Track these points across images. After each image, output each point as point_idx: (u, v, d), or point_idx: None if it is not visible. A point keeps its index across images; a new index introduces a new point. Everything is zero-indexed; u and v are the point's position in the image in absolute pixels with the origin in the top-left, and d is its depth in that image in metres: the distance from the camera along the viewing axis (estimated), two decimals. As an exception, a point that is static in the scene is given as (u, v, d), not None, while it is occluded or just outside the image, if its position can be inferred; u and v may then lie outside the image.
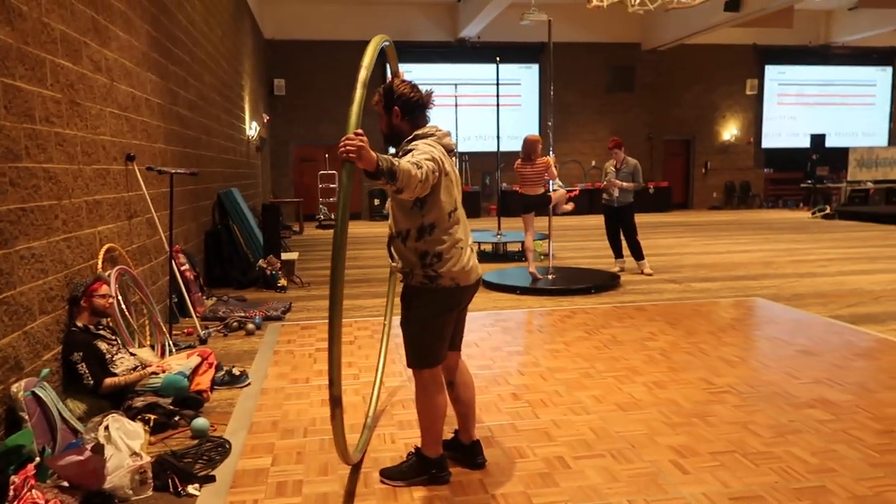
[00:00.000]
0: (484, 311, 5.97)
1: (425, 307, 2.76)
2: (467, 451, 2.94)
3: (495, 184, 16.59)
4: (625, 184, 7.73)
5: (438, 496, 2.68)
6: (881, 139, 18.40)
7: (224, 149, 8.98)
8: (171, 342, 4.74)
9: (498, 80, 10.44)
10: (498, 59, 10.49)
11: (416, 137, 2.76)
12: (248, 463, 3.00)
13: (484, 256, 9.18)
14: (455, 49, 16.28)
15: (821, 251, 9.59)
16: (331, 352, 2.35)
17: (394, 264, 2.85)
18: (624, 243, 7.95)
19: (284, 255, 7.80)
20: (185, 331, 5.32)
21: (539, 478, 2.81)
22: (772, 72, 17.84)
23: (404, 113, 2.78)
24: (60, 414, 3.06)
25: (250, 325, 5.38)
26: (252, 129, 11.62)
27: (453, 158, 2.92)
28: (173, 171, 5.06)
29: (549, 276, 7.23)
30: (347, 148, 2.24)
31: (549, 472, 2.86)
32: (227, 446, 3.15)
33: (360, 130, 2.28)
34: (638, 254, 7.88)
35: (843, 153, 16.70)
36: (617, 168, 7.87)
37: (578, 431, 3.30)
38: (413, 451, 2.92)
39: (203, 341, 5.04)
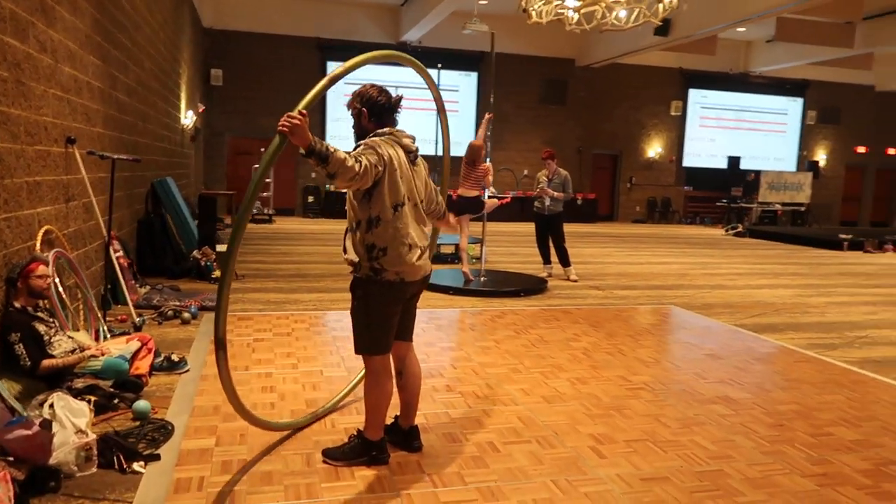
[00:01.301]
0: (419, 310, 6.15)
1: (370, 298, 2.92)
2: (406, 436, 3.13)
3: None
4: (556, 193, 8.10)
5: (378, 475, 2.86)
6: (790, 165, 19.69)
7: (159, 136, 8.86)
8: (105, 328, 4.73)
9: (439, 84, 10.65)
10: (440, 65, 10.72)
11: (375, 135, 2.92)
12: (192, 443, 3.10)
13: (418, 257, 9.36)
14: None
15: (731, 266, 10.28)
16: (219, 296, 2.59)
17: (345, 256, 3.00)
18: (552, 250, 8.31)
19: (219, 247, 7.77)
20: (119, 317, 5.29)
21: (471, 460, 3.04)
22: (695, 95, 18.83)
23: (371, 115, 2.97)
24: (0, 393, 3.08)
25: (186, 315, 5.40)
26: (188, 118, 11.44)
27: (418, 160, 3.06)
28: (115, 156, 5.04)
29: (481, 279, 7.50)
30: (285, 122, 2.47)
31: (480, 456, 3.09)
32: (170, 428, 3.24)
33: (304, 112, 2.51)
34: (565, 261, 8.26)
35: (757, 176, 17.81)
36: (549, 178, 8.24)
37: (507, 420, 3.54)
38: (355, 433, 3.07)
39: (137, 328, 5.03)
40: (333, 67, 15.36)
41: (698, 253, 11.89)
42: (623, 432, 3.43)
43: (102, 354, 3.79)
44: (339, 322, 5.55)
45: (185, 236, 7.91)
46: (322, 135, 16.28)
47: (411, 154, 3.01)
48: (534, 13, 7.89)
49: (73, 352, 3.76)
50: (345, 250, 3.02)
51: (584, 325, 5.82)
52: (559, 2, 7.79)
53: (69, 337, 3.88)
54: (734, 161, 18.61)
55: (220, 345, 2.63)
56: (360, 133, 2.99)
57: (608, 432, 3.43)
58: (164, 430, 3.21)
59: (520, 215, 14.97)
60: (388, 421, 3.18)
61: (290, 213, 16.16)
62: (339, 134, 16.40)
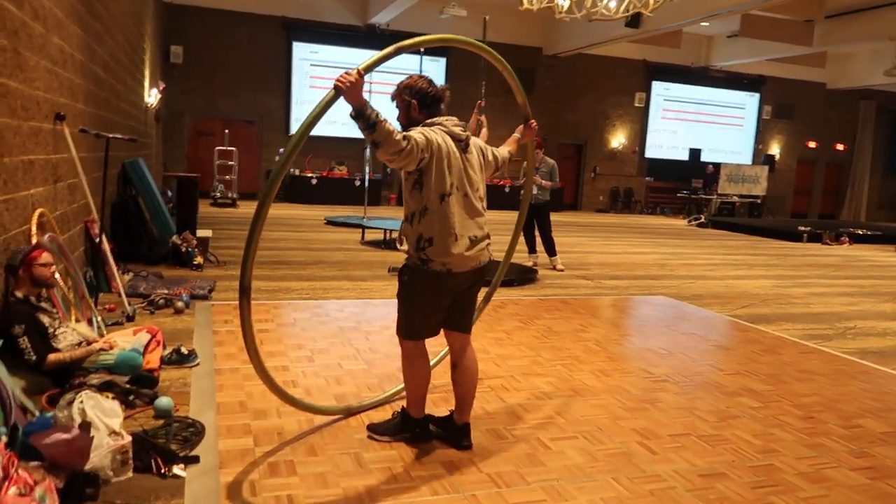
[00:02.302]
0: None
1: (414, 285, 2.91)
2: (457, 432, 3.04)
3: (396, 172, 16.62)
4: (544, 182, 8.05)
5: (436, 475, 2.73)
6: (747, 158, 20.21)
7: (129, 115, 8.42)
8: (99, 318, 4.44)
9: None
10: (422, 50, 10.49)
11: (424, 126, 2.86)
12: (229, 444, 2.91)
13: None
14: (363, 34, 16.09)
15: (704, 256, 10.46)
16: (249, 242, 2.58)
17: (401, 248, 2.95)
18: (538, 239, 8.27)
19: (200, 232, 7.44)
20: (108, 307, 4.98)
21: (526, 458, 2.94)
22: (658, 87, 19.09)
23: (421, 106, 2.93)
24: (12, 390, 2.82)
25: (179, 304, 5.12)
26: (151, 97, 10.93)
27: (469, 147, 2.96)
28: (111, 135, 4.71)
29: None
30: (342, 78, 2.46)
31: (532, 453, 3.00)
32: (200, 427, 3.03)
33: (363, 72, 2.50)
34: (551, 250, 8.23)
35: (716, 168, 18.22)
36: (536, 167, 8.17)
37: (545, 415, 3.46)
38: (399, 409, 3.12)
39: (130, 318, 4.75)
40: (299, 48, 15.09)
41: (670, 243, 12.06)
42: (664, 426, 3.39)
43: (111, 348, 3.54)
44: (341, 312, 5.37)
45: (159, 220, 7.54)
46: (287, 118, 15.85)
47: (461, 142, 2.95)
48: (525, 1, 7.78)
49: (79, 345, 3.51)
50: (400, 241, 2.97)
51: (586, 316, 5.79)
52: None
53: (73, 329, 3.61)
54: (695, 153, 18.98)
55: (244, 292, 2.58)
56: (408, 124, 2.94)
57: (649, 426, 3.38)
58: (194, 430, 3.00)
59: (496, 203, 14.88)
60: (444, 413, 3.16)
61: (253, 197, 15.66)
62: (304, 116, 15.97)
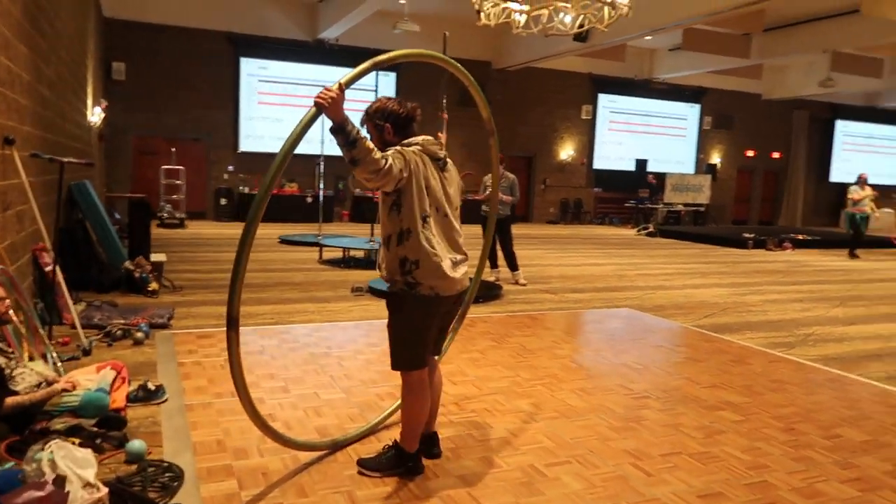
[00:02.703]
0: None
1: (406, 313, 2.86)
2: (426, 441, 3.02)
3: (348, 189, 16.45)
4: (505, 197, 8.05)
5: (435, 511, 2.64)
6: (690, 167, 20.77)
7: (74, 136, 8.05)
8: (54, 354, 4.17)
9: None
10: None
11: (401, 146, 2.82)
12: (213, 489, 2.74)
13: (359, 264, 9.07)
14: (313, 50, 15.90)
15: (658, 266, 10.64)
16: (235, 271, 2.54)
17: (381, 274, 2.88)
18: (499, 253, 8.25)
19: (154, 256, 7.14)
20: (62, 340, 4.70)
21: (523, 487, 2.87)
22: (604, 100, 19.45)
23: (396, 129, 2.88)
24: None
25: (139, 334, 4.87)
26: (95, 116, 10.50)
27: (447, 166, 2.95)
28: (65, 160, 4.46)
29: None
30: (323, 94, 2.41)
31: (528, 481, 2.93)
32: (178, 471, 2.85)
33: (343, 87, 2.46)
34: (513, 265, 8.22)
35: (661, 178, 18.66)
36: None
37: (534, 439, 3.40)
38: (391, 443, 3.00)
39: (87, 352, 4.49)
40: (247, 63, 14.72)
41: (623, 253, 12.24)
42: (654, 446, 3.37)
43: (74, 388, 3.32)
44: (310, 337, 5.21)
45: (107, 244, 7.21)
46: (235, 135, 15.49)
47: (440, 161, 2.93)
48: (483, 16, 7.79)
49: (38, 386, 3.27)
50: (379, 267, 2.89)
51: (556, 332, 5.77)
52: (508, 5, 7.72)
53: (31, 369, 3.37)
54: (641, 163, 19.39)
55: (231, 324, 2.51)
56: (383, 148, 2.84)
57: (640, 447, 3.36)
58: (173, 475, 2.82)
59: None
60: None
61: (201, 216, 15.25)
62: (254, 133, 15.69)
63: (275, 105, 15.89)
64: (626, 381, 4.45)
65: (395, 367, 2.91)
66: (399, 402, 3.37)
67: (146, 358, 4.49)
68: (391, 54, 2.74)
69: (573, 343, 5.40)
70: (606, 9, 7.67)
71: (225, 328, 2.52)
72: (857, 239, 13.36)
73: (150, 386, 3.73)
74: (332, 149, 14.29)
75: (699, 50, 16.20)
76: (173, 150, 13.96)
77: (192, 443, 3.17)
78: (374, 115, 2.89)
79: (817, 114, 22.56)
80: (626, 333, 5.95)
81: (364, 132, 2.56)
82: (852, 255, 13.15)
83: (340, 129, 2.45)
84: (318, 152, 15.80)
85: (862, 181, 13.24)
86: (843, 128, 23.29)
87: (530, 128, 18.75)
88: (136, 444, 2.97)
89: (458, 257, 2.91)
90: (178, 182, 13.67)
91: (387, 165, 2.58)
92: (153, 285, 6.58)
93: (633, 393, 4.19)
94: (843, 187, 23.42)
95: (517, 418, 3.67)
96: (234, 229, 13.37)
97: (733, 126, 21.52)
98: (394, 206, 2.77)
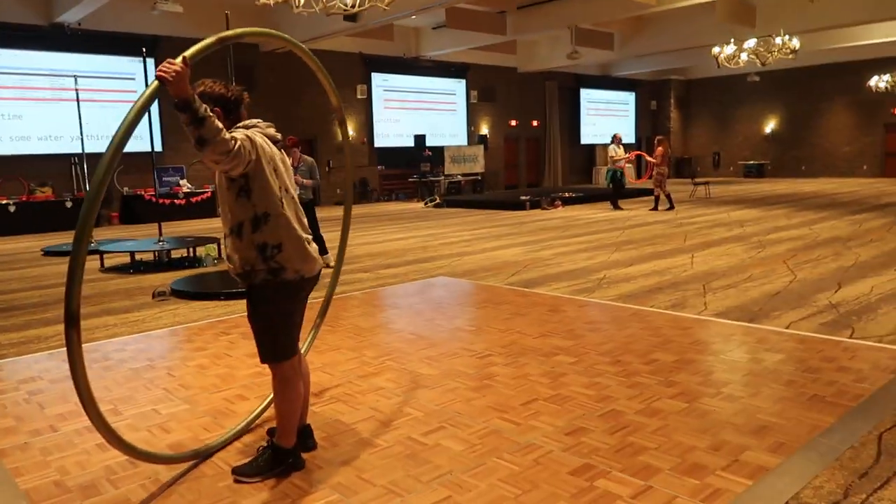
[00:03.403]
0: (199, 322, 5.50)
1: (271, 303, 2.73)
2: (301, 435, 2.92)
3: (112, 189, 14.91)
4: (305, 180, 7.85)
5: (331, 502, 2.55)
6: (462, 139, 21.88)
7: None
8: None
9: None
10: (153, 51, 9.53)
11: (235, 129, 2.67)
12: (70, 534, 2.38)
13: (149, 267, 8.29)
14: (50, 35, 13.97)
15: (455, 234, 11.14)
16: (73, 265, 2.33)
17: (231, 266, 2.69)
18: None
19: None
20: None
21: (408, 459, 2.88)
22: (377, 79, 19.67)
23: (226, 112, 2.71)
24: None
25: None
26: None
27: (280, 150, 2.86)
28: None
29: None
30: (165, 68, 2.23)
31: (411, 453, 2.94)
32: (18, 525, 2.43)
33: (188, 61, 2.29)
34: (322, 248, 8.08)
35: (439, 151, 19.43)
36: (295, 166, 7.93)
37: (403, 412, 3.41)
38: (265, 444, 2.87)
39: None
40: None
41: (419, 226, 12.62)
42: (512, 398, 3.57)
43: None
44: (123, 351, 4.70)
45: None
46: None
47: (278, 143, 2.86)
48: (262, -7, 7.45)
49: None
50: (229, 259, 2.70)
51: (384, 308, 5.83)
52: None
53: None
54: (420, 139, 19.99)
55: (71, 320, 2.27)
56: None
57: (500, 401, 3.53)
58: (13, 530, 2.40)
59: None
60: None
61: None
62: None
63: (10, 100, 13.78)
64: (465, 343, 4.63)
65: (265, 360, 2.77)
66: (268, 399, 3.24)
67: (-81, 407, 3.73)
68: (238, 31, 2.64)
69: (405, 316, 5.49)
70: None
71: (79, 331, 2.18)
72: (617, 192, 15.07)
73: (-57, 437, 3.11)
74: (92, 146, 12.87)
75: (461, 27, 17.04)
76: None
77: (24, 491, 2.71)
78: (201, 99, 2.59)
79: (564, 83, 24.96)
80: (450, 299, 6.18)
81: (209, 110, 2.34)
82: (615, 207, 14.82)
83: (186, 106, 2.25)
84: (74, 150, 14.08)
85: (617, 140, 14.94)
86: (586, 95, 26.05)
87: (307, 110, 18.38)
88: (-49, 507, 2.48)
89: (309, 236, 2.84)
90: None
91: (236, 146, 2.43)
92: None
93: (476, 353, 4.38)
94: (592, 148, 26.40)
95: (379, 395, 3.67)
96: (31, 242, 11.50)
97: (496, 98, 23.03)
98: (241, 191, 2.61)
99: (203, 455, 2.94)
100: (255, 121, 2.78)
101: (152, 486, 2.72)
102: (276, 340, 2.73)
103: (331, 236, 10.63)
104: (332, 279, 3.78)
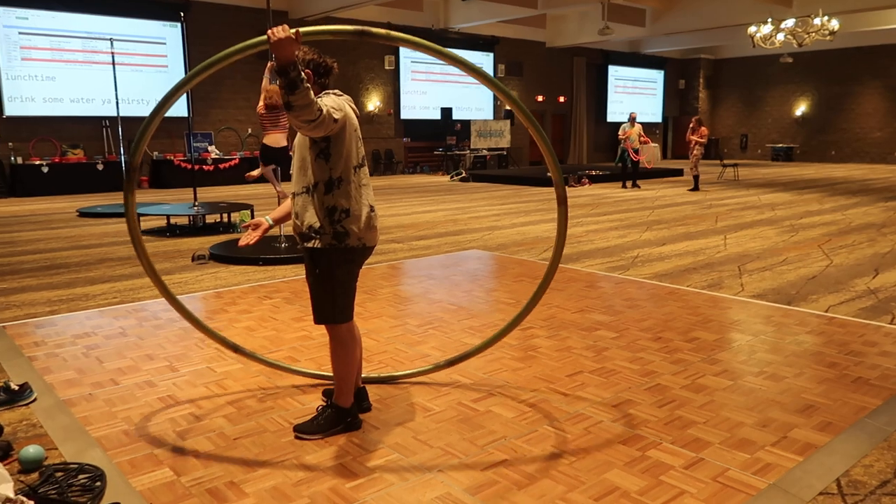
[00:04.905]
0: (241, 286, 5.60)
1: (335, 266, 2.80)
2: (356, 396, 3.00)
3: (146, 153, 15.05)
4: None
5: (391, 462, 2.64)
6: (489, 114, 21.77)
7: None
8: None
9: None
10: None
11: (326, 95, 2.77)
12: (146, 480, 2.49)
13: (185, 231, 8.43)
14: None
15: (483, 209, 11.17)
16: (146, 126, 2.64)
17: (299, 221, 2.81)
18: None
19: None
20: None
21: (462, 423, 2.97)
22: (405, 50, 19.55)
23: (316, 76, 2.81)
24: None
25: (-39, 332, 4.17)
26: None
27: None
28: None
29: (282, 245, 7.06)
30: (277, 31, 2.28)
31: (464, 418, 3.03)
32: (96, 470, 2.54)
33: (300, 35, 2.37)
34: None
35: (466, 125, 19.36)
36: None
37: (452, 379, 3.49)
38: (325, 403, 2.96)
39: None
40: (1, 12, 13.09)
41: (447, 199, 12.65)
42: (557, 370, 3.64)
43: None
44: (171, 311, 4.79)
45: None
46: (-3, 96, 13.36)
47: (358, 118, 2.95)
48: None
49: None
50: (297, 216, 2.77)
51: (422, 279, 5.89)
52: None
53: None
54: (446, 112, 19.92)
55: (130, 170, 2.79)
56: None
57: (546, 371, 3.60)
58: (91, 475, 2.51)
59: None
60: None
61: (-33, 194, 13.09)
62: (21, 94, 13.65)
63: (44, 61, 13.90)
64: (506, 315, 4.69)
65: (320, 321, 2.84)
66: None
67: (-19, 357, 3.87)
68: (383, 31, 2.60)
69: (443, 287, 5.56)
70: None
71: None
72: (626, 171, 14.92)
73: (13, 386, 3.24)
74: (125, 110, 12.96)
75: (489, 0, 16.86)
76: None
77: (95, 438, 2.83)
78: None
79: (592, 60, 24.67)
80: (486, 272, 6.24)
81: (306, 80, 2.39)
82: (625, 186, 14.73)
83: (285, 71, 2.31)
84: (105, 113, 14.21)
85: (631, 119, 14.79)
86: (613, 72, 25.73)
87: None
88: (31, 451, 2.59)
89: (374, 207, 2.91)
90: None
91: (321, 116, 2.49)
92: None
93: (519, 325, 4.43)
94: (617, 126, 26.12)
95: (426, 362, 3.74)
96: (14, 206, 11.71)
97: (523, 73, 22.84)
98: (321, 153, 2.70)
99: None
100: (338, 91, 2.87)
101: (218, 440, 2.82)
102: (335, 303, 2.80)
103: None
104: None
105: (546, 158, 2.87)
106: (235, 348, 3.27)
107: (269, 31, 2.29)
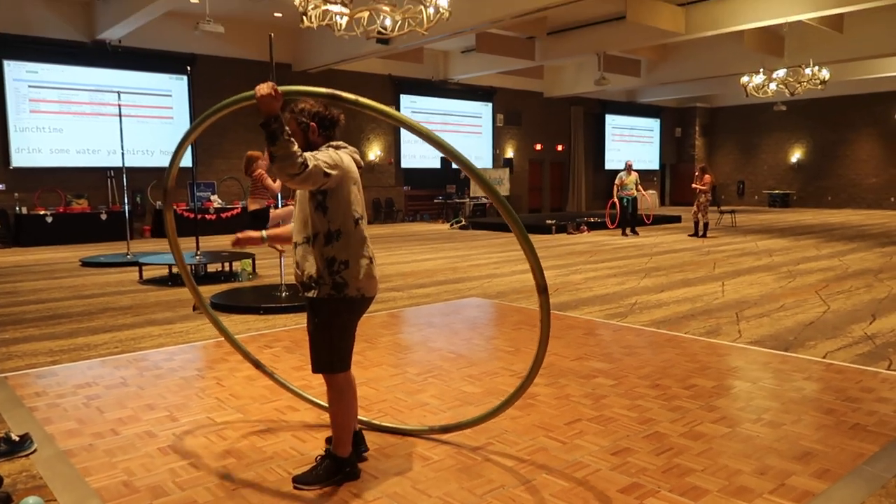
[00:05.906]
0: (243, 335, 5.64)
1: (334, 317, 2.85)
2: (354, 442, 3.00)
3: (148, 202, 15.27)
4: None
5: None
6: (487, 162, 22.06)
7: None
8: None
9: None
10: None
11: (329, 147, 2.84)
12: (145, 532, 2.50)
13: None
14: (92, 51, 14.42)
15: (483, 256, 11.26)
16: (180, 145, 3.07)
17: (299, 271, 2.87)
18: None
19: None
20: None
21: (461, 473, 2.97)
22: (406, 100, 20.00)
23: (321, 128, 2.91)
24: None
25: (-37, 383, 4.19)
26: None
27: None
28: None
29: (282, 294, 7.11)
30: (262, 88, 2.48)
31: (463, 467, 3.04)
32: (94, 522, 2.56)
33: (281, 93, 2.54)
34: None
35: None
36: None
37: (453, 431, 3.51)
38: (324, 453, 2.95)
39: None
40: (13, 67, 13.53)
41: (446, 247, 12.75)
42: (556, 418, 3.65)
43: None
44: (171, 361, 4.84)
45: None
46: (5, 148, 13.59)
47: (361, 169, 3.02)
48: (305, 19, 7.69)
49: None
50: (298, 265, 2.84)
51: (421, 327, 5.93)
52: (329, 7, 7.70)
53: None
54: (446, 160, 20.17)
55: (165, 192, 3.28)
56: (307, 148, 2.87)
57: (545, 420, 3.62)
58: (90, 527, 2.53)
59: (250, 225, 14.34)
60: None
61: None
62: (28, 146, 13.89)
63: (51, 114, 14.21)
64: (505, 363, 4.72)
65: (318, 369, 2.88)
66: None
67: (-18, 408, 3.89)
68: (353, 97, 2.60)
69: (442, 335, 5.59)
70: (426, 12, 7.95)
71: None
72: (624, 219, 15.07)
73: (13, 437, 3.26)
74: (130, 160, 13.18)
75: (490, 52, 17.29)
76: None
77: (94, 489, 2.84)
78: (300, 114, 2.88)
79: (590, 109, 25.13)
80: (485, 320, 6.28)
81: (288, 133, 2.51)
82: (625, 234, 14.86)
83: (268, 125, 2.46)
84: (110, 164, 14.44)
85: (628, 167, 15.02)
86: (611, 121, 26.18)
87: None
88: (30, 502, 2.61)
89: (374, 257, 2.98)
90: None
91: (306, 172, 2.56)
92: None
93: (516, 373, 4.47)
94: (615, 174, 26.44)
95: (425, 411, 3.76)
96: (17, 256, 11.81)
97: (521, 122, 23.25)
98: (319, 206, 2.78)
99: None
100: (342, 143, 2.96)
101: (218, 490, 2.83)
102: (333, 352, 2.85)
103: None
104: None
105: (520, 244, 2.81)
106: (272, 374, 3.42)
107: (256, 88, 2.46)
